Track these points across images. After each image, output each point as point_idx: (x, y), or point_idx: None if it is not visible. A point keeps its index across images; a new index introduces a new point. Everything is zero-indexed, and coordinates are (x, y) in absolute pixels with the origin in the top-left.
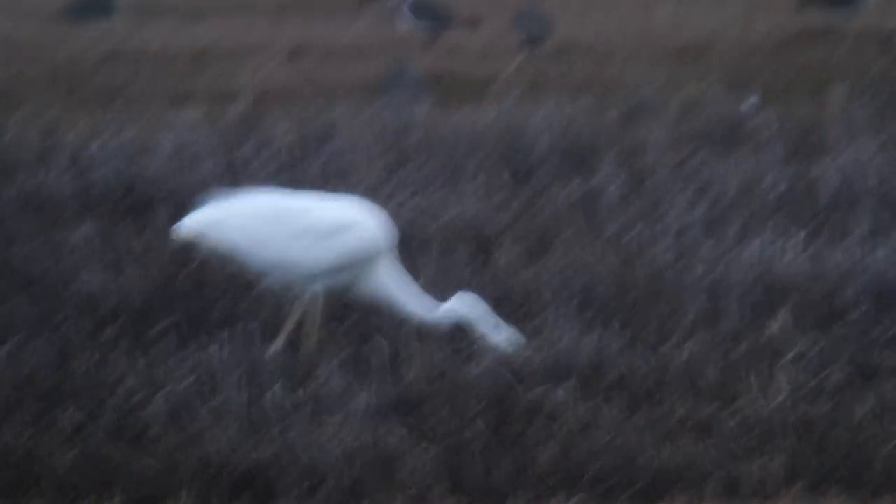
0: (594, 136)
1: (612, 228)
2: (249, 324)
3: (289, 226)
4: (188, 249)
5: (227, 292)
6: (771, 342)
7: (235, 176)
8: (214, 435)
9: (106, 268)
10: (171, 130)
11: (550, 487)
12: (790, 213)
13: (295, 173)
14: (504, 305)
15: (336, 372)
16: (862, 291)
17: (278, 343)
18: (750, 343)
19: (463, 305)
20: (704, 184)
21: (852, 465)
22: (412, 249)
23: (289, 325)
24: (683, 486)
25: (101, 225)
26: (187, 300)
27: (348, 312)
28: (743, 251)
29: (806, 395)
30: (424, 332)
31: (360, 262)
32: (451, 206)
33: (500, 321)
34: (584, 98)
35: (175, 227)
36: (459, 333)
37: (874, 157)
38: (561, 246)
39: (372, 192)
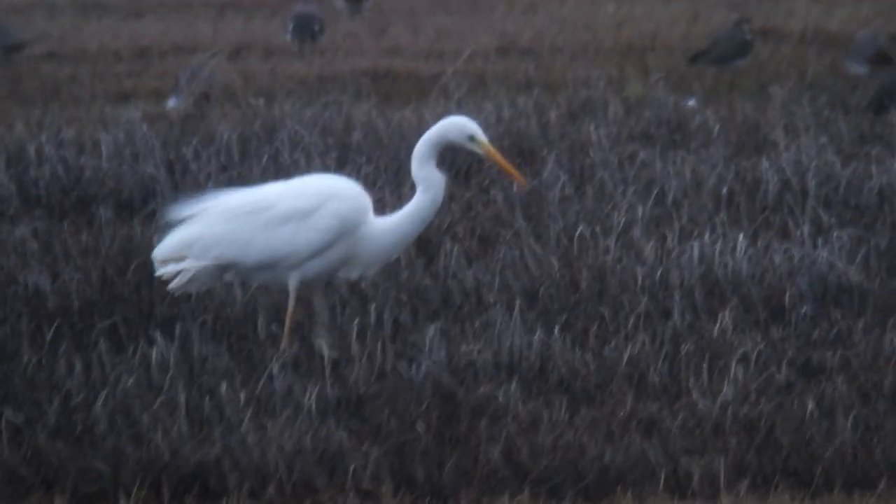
0: (538, 135)
1: (556, 227)
2: (192, 323)
3: (267, 216)
4: (166, 279)
5: (170, 291)
6: (715, 341)
7: (178, 174)
8: (159, 434)
9: (47, 266)
10: (112, 128)
11: (495, 486)
12: (733, 212)
13: (238, 171)
14: (447, 305)
15: (280, 372)
16: (805, 290)
17: (284, 342)
18: (694, 342)
19: None
20: (648, 183)
21: (797, 463)
22: None
23: (289, 324)
24: (628, 484)
25: (43, 223)
26: (130, 299)
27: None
28: (686, 250)
29: (750, 394)
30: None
31: (349, 231)
32: (393, 204)
33: None
34: (527, 97)
35: (153, 254)
36: (405, 332)
37: (816, 157)
38: (504, 245)
39: None
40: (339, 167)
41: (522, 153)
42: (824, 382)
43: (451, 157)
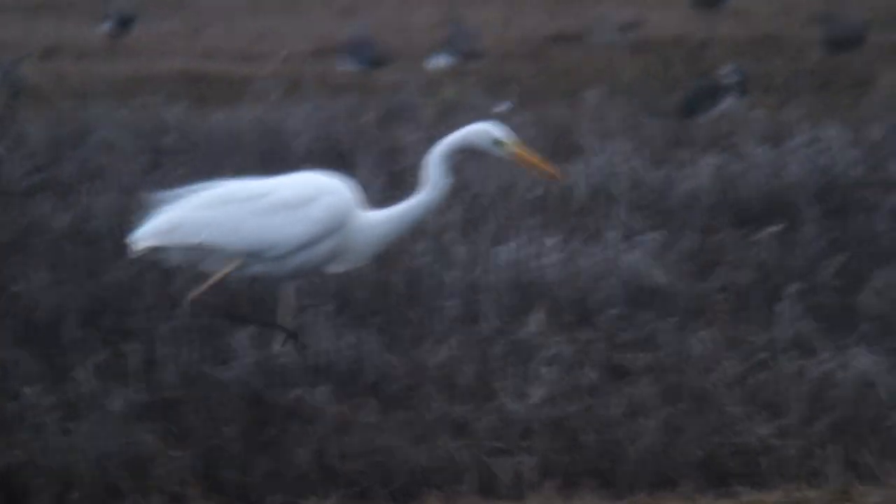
0: (353, 138)
1: None
2: None
3: (259, 204)
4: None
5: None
6: (526, 343)
7: None
8: None
9: None
10: None
11: (306, 488)
12: (546, 215)
13: (49, 173)
14: (260, 309)
15: (91, 374)
16: (614, 293)
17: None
18: (505, 344)
19: None
20: (461, 186)
21: (602, 464)
22: None
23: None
24: (438, 484)
25: None
26: None
27: (101, 316)
28: (499, 253)
29: (559, 395)
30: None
31: (338, 226)
32: None
33: None
34: (342, 99)
35: (131, 239)
36: (215, 336)
37: (627, 160)
38: None
39: (128, 193)
40: (152, 170)
41: (336, 156)
42: (630, 384)
43: (267, 159)
